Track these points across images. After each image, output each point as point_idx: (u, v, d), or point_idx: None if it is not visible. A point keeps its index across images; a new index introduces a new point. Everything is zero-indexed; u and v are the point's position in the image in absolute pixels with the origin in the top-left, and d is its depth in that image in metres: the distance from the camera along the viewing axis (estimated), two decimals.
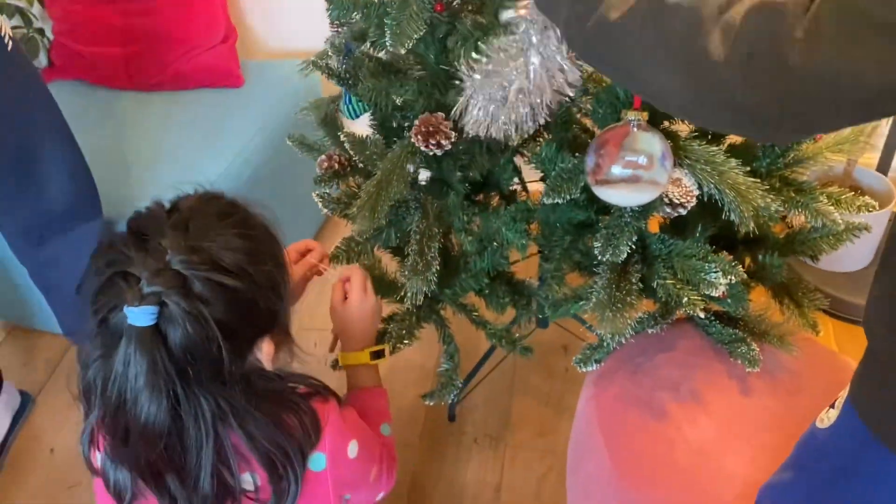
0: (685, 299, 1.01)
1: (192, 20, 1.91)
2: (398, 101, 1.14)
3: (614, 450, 1.07)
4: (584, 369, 1.16)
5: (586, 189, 1.06)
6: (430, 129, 1.05)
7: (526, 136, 1.01)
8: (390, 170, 1.10)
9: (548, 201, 1.03)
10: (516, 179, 1.26)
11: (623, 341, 1.07)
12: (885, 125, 1.82)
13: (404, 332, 1.18)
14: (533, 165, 1.18)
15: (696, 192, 1.02)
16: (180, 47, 1.90)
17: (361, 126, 1.30)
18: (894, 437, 0.66)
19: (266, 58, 2.17)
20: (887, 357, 0.67)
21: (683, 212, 1.02)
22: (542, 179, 1.24)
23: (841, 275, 1.84)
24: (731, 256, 1.05)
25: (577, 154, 1.07)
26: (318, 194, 1.30)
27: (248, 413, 0.81)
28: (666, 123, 1.03)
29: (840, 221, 1.10)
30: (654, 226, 1.14)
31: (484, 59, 0.93)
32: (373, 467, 0.99)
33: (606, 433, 1.09)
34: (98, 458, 0.87)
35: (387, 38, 1.01)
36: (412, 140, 1.08)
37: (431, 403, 1.28)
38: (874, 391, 0.69)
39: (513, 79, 0.91)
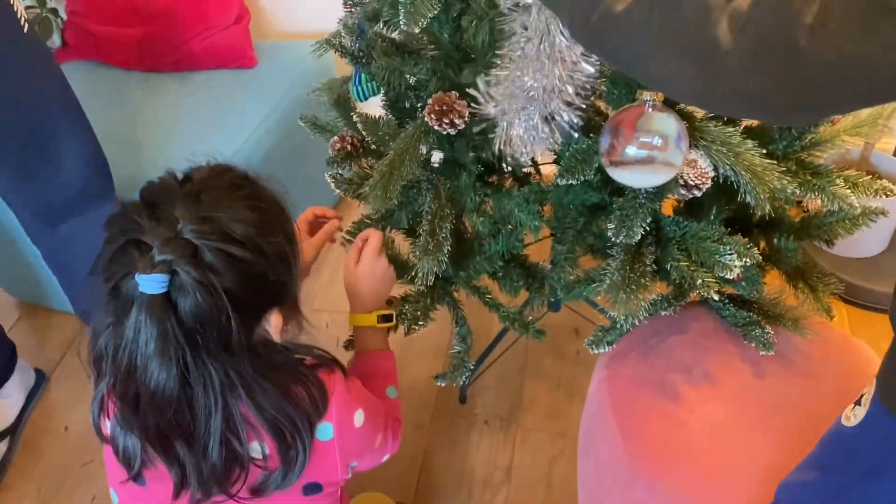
0: (699, 281, 1.01)
1: (206, 1, 1.91)
2: (411, 80, 1.14)
3: (627, 432, 1.07)
4: (596, 351, 1.16)
5: (600, 170, 1.05)
6: (444, 108, 1.05)
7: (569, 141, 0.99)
8: (403, 149, 1.09)
9: (562, 182, 1.02)
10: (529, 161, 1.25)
11: (636, 323, 1.06)
12: None
13: (419, 313, 1.18)
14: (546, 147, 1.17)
15: (712, 174, 1.01)
16: (194, 28, 1.90)
17: (373, 107, 1.30)
18: None
19: (279, 38, 2.16)
20: None
21: (698, 193, 1.01)
22: (556, 161, 1.23)
23: (855, 260, 1.83)
24: (746, 239, 1.04)
25: (590, 135, 1.07)
26: (330, 175, 1.30)
27: (256, 383, 0.82)
28: (681, 104, 1.02)
29: (857, 205, 1.09)
30: (667, 208, 1.13)
31: (501, 74, 0.92)
32: (378, 434, 1.00)
33: (619, 415, 1.09)
34: (108, 425, 0.88)
35: (401, 18, 1.00)
36: (425, 119, 1.07)
37: (443, 385, 1.28)
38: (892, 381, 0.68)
39: (534, 85, 0.90)
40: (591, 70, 0.89)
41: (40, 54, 1.29)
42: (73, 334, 1.88)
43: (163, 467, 0.85)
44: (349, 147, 1.30)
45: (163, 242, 0.74)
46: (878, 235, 1.81)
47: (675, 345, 1.15)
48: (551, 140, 0.95)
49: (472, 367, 1.29)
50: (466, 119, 1.07)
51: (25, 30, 1.21)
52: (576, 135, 1.00)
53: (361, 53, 1.15)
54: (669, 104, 0.96)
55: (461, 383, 1.64)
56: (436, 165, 1.22)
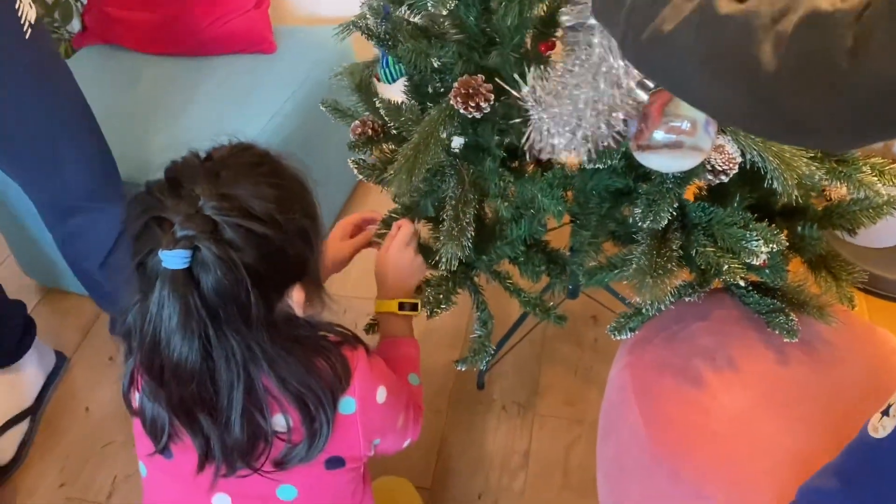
0: (725, 267, 1.01)
1: None
2: (436, 63, 1.14)
3: (649, 417, 1.07)
4: (618, 337, 1.16)
5: (625, 156, 1.05)
6: (470, 91, 1.05)
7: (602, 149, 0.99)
8: (428, 133, 1.09)
9: (589, 167, 1.02)
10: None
11: (662, 308, 1.06)
12: None
13: (441, 296, 1.18)
14: None
15: (739, 160, 1.01)
16: (213, 12, 1.90)
17: (395, 92, 1.29)
18: None
19: (298, 23, 2.16)
20: None
21: (725, 179, 1.01)
22: None
23: (875, 250, 1.82)
24: (773, 226, 1.04)
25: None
26: (353, 161, 1.30)
27: (279, 356, 0.83)
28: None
29: (883, 193, 1.08)
30: (688, 195, 1.13)
31: (551, 82, 0.92)
32: (400, 414, 1.00)
33: (641, 400, 1.09)
34: (137, 398, 0.90)
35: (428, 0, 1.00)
36: (451, 102, 1.07)
37: (463, 369, 1.29)
38: None
39: (582, 99, 0.90)
40: (644, 98, 0.89)
41: (45, 60, 1.28)
42: (93, 318, 1.89)
43: (189, 440, 0.86)
44: (370, 132, 1.30)
45: (184, 219, 0.75)
46: None
47: (698, 331, 1.15)
48: (580, 151, 0.95)
49: (492, 352, 1.30)
50: (492, 102, 1.06)
51: (28, 35, 1.20)
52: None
53: (387, 36, 1.15)
54: None
55: (481, 368, 1.64)
56: (455, 150, 1.22)
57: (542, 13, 1.12)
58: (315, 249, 0.87)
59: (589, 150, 0.94)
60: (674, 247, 1.02)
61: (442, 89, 1.20)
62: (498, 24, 1.06)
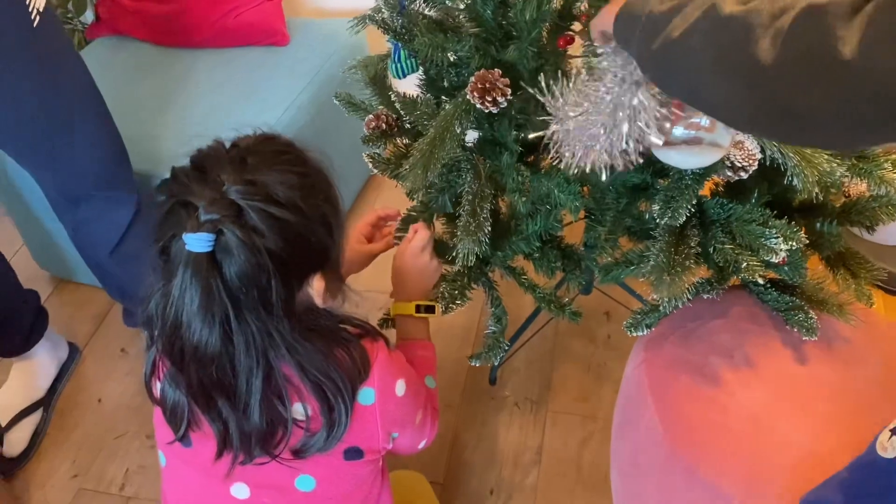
0: (744, 264, 1.00)
1: None
2: (452, 57, 1.13)
3: (665, 414, 1.06)
4: (634, 334, 1.15)
5: (643, 152, 1.04)
6: (487, 85, 1.04)
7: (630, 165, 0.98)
8: (444, 127, 1.08)
9: (603, 179, 1.01)
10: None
11: (679, 306, 1.05)
12: None
13: (456, 292, 1.17)
14: None
15: (759, 156, 1.00)
16: (226, 4, 1.89)
17: (408, 86, 1.29)
18: None
19: (311, 16, 2.15)
20: None
21: (745, 175, 1.00)
22: None
23: (891, 248, 1.80)
24: (793, 223, 1.03)
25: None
26: (368, 155, 1.29)
27: (299, 343, 0.83)
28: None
29: None
30: (704, 191, 1.11)
31: (573, 94, 0.92)
32: (418, 410, 1.01)
33: (657, 397, 1.08)
34: (158, 387, 0.90)
35: None
36: (467, 97, 1.06)
37: (478, 364, 1.28)
38: None
39: (600, 122, 0.90)
40: (659, 143, 0.90)
41: (55, 48, 1.28)
42: (105, 309, 1.90)
43: (208, 429, 0.87)
44: (384, 125, 1.29)
45: (209, 203, 0.76)
46: None
47: (716, 328, 1.14)
48: (597, 162, 0.94)
49: (506, 348, 1.29)
50: (509, 97, 1.06)
51: (35, 24, 1.20)
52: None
53: (403, 30, 1.14)
54: None
55: (495, 363, 1.64)
56: (469, 145, 1.21)
57: (559, 6, 1.11)
58: (336, 239, 0.88)
59: (604, 167, 0.93)
60: (692, 244, 1.01)
61: (458, 83, 1.19)
62: (515, 18, 1.05)
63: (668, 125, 0.92)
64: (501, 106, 1.06)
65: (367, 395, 0.90)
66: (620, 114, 0.87)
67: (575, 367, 1.69)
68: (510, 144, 1.14)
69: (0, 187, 1.76)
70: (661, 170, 1.11)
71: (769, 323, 1.14)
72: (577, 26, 1.13)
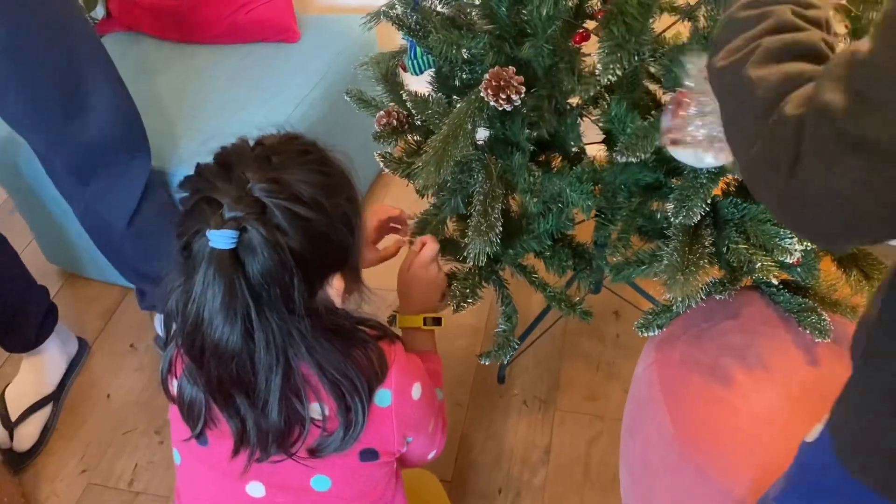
0: (758, 265, 0.99)
1: None
2: (466, 54, 1.12)
3: (676, 414, 1.06)
4: (645, 334, 1.15)
5: (656, 150, 1.03)
6: (501, 83, 1.03)
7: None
8: (457, 125, 1.08)
9: (622, 160, 1.01)
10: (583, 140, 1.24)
11: (693, 306, 1.05)
12: None
13: (468, 290, 1.17)
14: (601, 124, 1.16)
15: None
16: (237, 0, 1.89)
17: (420, 84, 1.28)
18: (851, 462, 0.65)
19: (322, 12, 2.15)
20: (854, 384, 0.66)
21: None
22: (604, 141, 1.21)
23: None
24: None
25: (647, 115, 1.05)
26: (379, 154, 1.29)
27: (318, 343, 0.83)
28: None
29: None
30: (717, 191, 1.11)
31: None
32: (432, 416, 1.01)
33: (668, 398, 1.08)
34: (174, 385, 0.90)
35: None
36: (481, 94, 1.06)
37: (487, 363, 1.28)
38: (839, 414, 0.68)
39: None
40: (713, 163, 0.90)
41: (66, 12, 1.29)
42: (114, 305, 1.90)
43: (225, 427, 0.87)
44: (395, 122, 1.29)
45: (233, 200, 0.76)
46: None
47: (727, 329, 1.13)
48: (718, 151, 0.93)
49: (516, 346, 1.29)
50: (522, 95, 1.05)
51: None
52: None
53: (417, 26, 1.14)
54: None
55: (504, 362, 1.64)
56: (480, 143, 1.21)
57: (574, 4, 1.10)
58: (356, 239, 0.88)
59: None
60: (706, 243, 1.01)
61: (471, 81, 1.19)
62: (530, 15, 1.04)
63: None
64: (515, 104, 1.05)
65: (384, 396, 0.90)
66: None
67: (584, 366, 1.69)
68: (522, 143, 1.14)
69: (12, 183, 1.77)
70: (674, 169, 1.11)
71: (781, 324, 1.13)
72: (590, 24, 1.13)
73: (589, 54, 1.13)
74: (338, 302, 0.88)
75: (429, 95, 1.23)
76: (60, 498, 1.52)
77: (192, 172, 0.83)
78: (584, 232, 1.34)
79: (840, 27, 1.00)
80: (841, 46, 0.58)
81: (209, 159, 0.83)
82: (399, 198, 1.28)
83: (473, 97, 1.09)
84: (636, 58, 0.98)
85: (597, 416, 1.59)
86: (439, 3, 1.19)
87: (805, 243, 0.99)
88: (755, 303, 1.17)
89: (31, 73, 1.26)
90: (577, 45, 1.11)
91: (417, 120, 1.31)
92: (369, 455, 0.92)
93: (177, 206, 1.57)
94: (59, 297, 1.93)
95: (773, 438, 1.00)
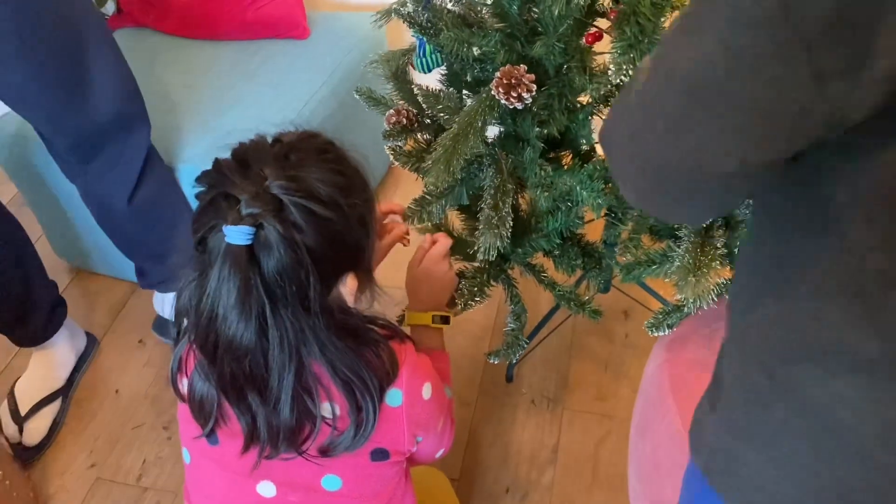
0: None
1: None
2: (476, 52, 1.12)
3: (686, 415, 1.05)
4: (655, 333, 1.14)
5: None
6: (513, 81, 1.03)
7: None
8: (468, 123, 1.08)
9: None
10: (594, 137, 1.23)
11: (704, 307, 1.04)
12: None
13: (476, 289, 1.17)
14: None
15: None
16: None
17: (429, 82, 1.28)
18: (702, 463, 0.69)
19: (331, 10, 2.15)
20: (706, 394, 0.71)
21: None
22: None
23: None
24: None
25: None
26: (390, 147, 1.29)
27: (330, 342, 0.83)
28: None
29: None
30: None
31: None
32: (441, 416, 1.00)
33: (679, 398, 1.07)
34: (184, 383, 0.91)
35: None
36: (492, 93, 1.06)
37: (496, 361, 1.28)
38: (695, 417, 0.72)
39: None
40: None
41: None
42: (123, 300, 1.91)
43: (236, 425, 0.87)
44: (405, 121, 1.29)
45: (251, 196, 0.76)
46: None
47: None
48: None
49: (525, 345, 1.28)
50: (534, 93, 1.05)
51: None
52: None
53: (429, 24, 1.13)
54: None
55: (513, 361, 1.63)
56: (489, 140, 1.20)
57: (585, 2, 1.10)
58: (371, 239, 0.88)
59: None
60: (718, 244, 1.00)
61: (482, 78, 1.19)
62: (541, 14, 1.04)
63: None
64: (526, 102, 1.05)
65: (394, 396, 0.90)
66: None
67: (592, 365, 1.68)
68: (533, 140, 1.13)
69: (22, 177, 1.77)
70: None
71: None
72: (602, 23, 1.12)
73: (600, 53, 1.13)
74: (350, 301, 0.88)
75: (440, 92, 1.23)
76: (69, 492, 1.53)
77: (201, 169, 0.83)
78: (592, 231, 1.34)
79: None
80: None
81: (219, 156, 0.83)
82: (409, 194, 1.28)
83: (484, 95, 1.09)
84: None
85: (605, 415, 1.58)
86: (450, 2, 1.19)
87: None
88: None
89: (35, 50, 1.26)
90: (590, 45, 1.11)
91: (427, 118, 1.30)
92: (380, 455, 0.92)
93: (177, 185, 1.57)
94: (68, 292, 1.93)
95: None
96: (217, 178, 0.80)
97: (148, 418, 1.64)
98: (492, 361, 1.29)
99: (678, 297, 1.00)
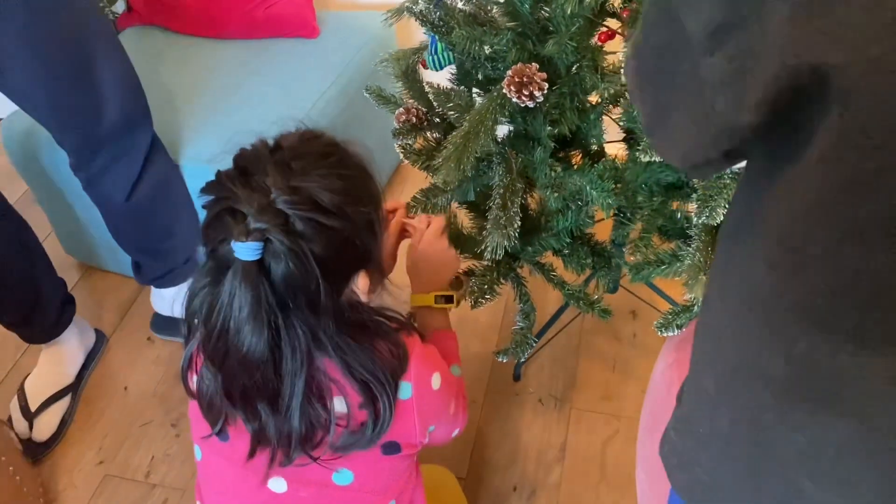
0: None
1: None
2: (488, 50, 1.12)
3: None
4: (665, 334, 1.14)
5: None
6: (524, 79, 1.03)
7: None
8: (479, 121, 1.08)
9: (645, 159, 1.00)
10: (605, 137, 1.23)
11: None
12: None
13: (486, 287, 1.17)
14: (622, 123, 1.15)
15: None
16: None
17: (439, 80, 1.28)
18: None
19: (341, 9, 2.15)
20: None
21: None
22: (625, 140, 1.21)
23: None
24: None
25: None
26: (400, 145, 1.29)
27: (344, 343, 0.84)
28: None
29: None
30: None
31: None
32: (451, 402, 1.01)
33: None
34: (194, 381, 0.91)
35: None
36: (503, 91, 1.06)
37: (504, 360, 1.28)
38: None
39: None
40: None
41: None
42: (132, 297, 1.91)
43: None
44: (414, 119, 1.29)
45: (257, 211, 0.76)
46: None
47: None
48: None
49: (533, 344, 1.29)
50: (545, 92, 1.05)
51: None
52: None
53: (440, 22, 1.14)
54: None
55: (521, 360, 1.64)
56: (499, 139, 1.21)
57: (597, 1, 1.10)
58: (379, 237, 0.88)
59: None
60: None
61: (493, 76, 1.19)
62: (553, 13, 1.04)
63: None
64: (538, 101, 1.05)
65: (404, 389, 0.90)
66: None
67: (600, 365, 1.68)
68: (544, 139, 1.13)
69: (32, 174, 1.78)
70: None
71: None
72: (613, 22, 1.12)
73: (611, 52, 1.13)
74: (363, 299, 0.88)
75: (450, 89, 1.23)
76: (78, 489, 1.53)
77: (208, 167, 0.83)
78: (601, 231, 1.34)
79: None
80: None
81: (228, 156, 0.83)
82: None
83: (495, 93, 1.09)
84: None
85: (613, 415, 1.58)
86: (461, 0, 1.19)
87: None
88: None
89: (44, 57, 1.27)
90: (602, 44, 1.11)
91: (437, 116, 1.31)
92: (392, 448, 0.92)
93: (178, 184, 1.58)
94: (77, 289, 1.94)
95: None
96: (221, 190, 0.80)
97: (156, 415, 1.65)
98: (500, 360, 1.29)
99: (688, 296, 1.01)
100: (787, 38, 0.42)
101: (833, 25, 0.40)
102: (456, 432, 1.05)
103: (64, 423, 1.62)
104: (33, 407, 1.59)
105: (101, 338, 1.78)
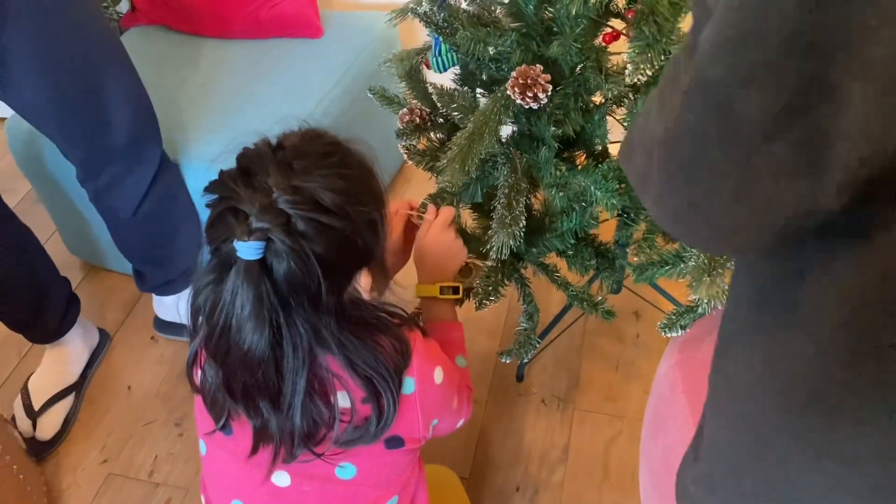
0: None
1: None
2: (492, 51, 1.12)
3: (700, 416, 1.05)
4: (668, 334, 1.14)
5: None
6: (528, 81, 1.03)
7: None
8: (483, 122, 1.08)
9: None
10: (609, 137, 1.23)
11: (719, 307, 1.04)
12: None
13: (490, 288, 1.17)
14: (627, 123, 1.15)
15: None
16: None
17: (444, 81, 1.28)
18: None
19: (345, 9, 2.16)
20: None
21: None
22: None
23: None
24: None
25: None
26: (403, 146, 1.29)
27: (347, 340, 0.84)
28: None
29: None
30: None
31: None
32: (455, 395, 1.01)
33: (691, 399, 1.07)
34: (199, 376, 0.92)
35: None
36: (507, 92, 1.06)
37: (508, 361, 1.28)
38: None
39: None
40: None
41: (86, 5, 1.31)
42: (135, 296, 1.91)
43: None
44: (418, 119, 1.29)
45: (259, 211, 0.77)
46: None
47: None
48: None
49: (537, 344, 1.29)
50: (549, 93, 1.05)
51: None
52: None
53: (445, 23, 1.14)
54: None
55: (525, 360, 1.64)
56: (503, 139, 1.21)
57: (602, 1, 1.10)
58: (381, 236, 0.88)
59: None
60: None
61: (497, 77, 1.19)
62: (557, 14, 1.04)
63: None
64: (542, 102, 1.05)
65: (407, 384, 0.91)
66: None
67: (603, 365, 1.68)
68: (548, 140, 1.13)
69: (35, 174, 1.78)
70: None
71: None
72: (618, 23, 1.12)
73: (616, 53, 1.13)
74: (365, 296, 0.89)
75: (454, 90, 1.23)
76: (81, 487, 1.54)
77: (211, 167, 0.84)
78: (605, 231, 1.34)
79: None
80: None
81: (231, 156, 0.83)
82: (421, 192, 1.28)
83: (500, 94, 1.09)
84: (663, 57, 0.98)
85: (616, 415, 1.58)
86: (465, 1, 1.19)
87: None
88: None
89: (52, 74, 1.28)
90: (607, 45, 1.11)
91: (441, 117, 1.31)
92: (395, 443, 0.93)
93: (183, 195, 1.58)
94: (81, 288, 1.94)
95: None
96: (223, 190, 0.80)
97: (160, 414, 1.65)
98: (503, 361, 1.29)
99: (692, 297, 1.01)
100: (871, 119, 0.40)
101: None
102: (461, 422, 1.06)
103: (67, 422, 1.62)
104: (37, 406, 1.60)
105: (104, 337, 1.79)
